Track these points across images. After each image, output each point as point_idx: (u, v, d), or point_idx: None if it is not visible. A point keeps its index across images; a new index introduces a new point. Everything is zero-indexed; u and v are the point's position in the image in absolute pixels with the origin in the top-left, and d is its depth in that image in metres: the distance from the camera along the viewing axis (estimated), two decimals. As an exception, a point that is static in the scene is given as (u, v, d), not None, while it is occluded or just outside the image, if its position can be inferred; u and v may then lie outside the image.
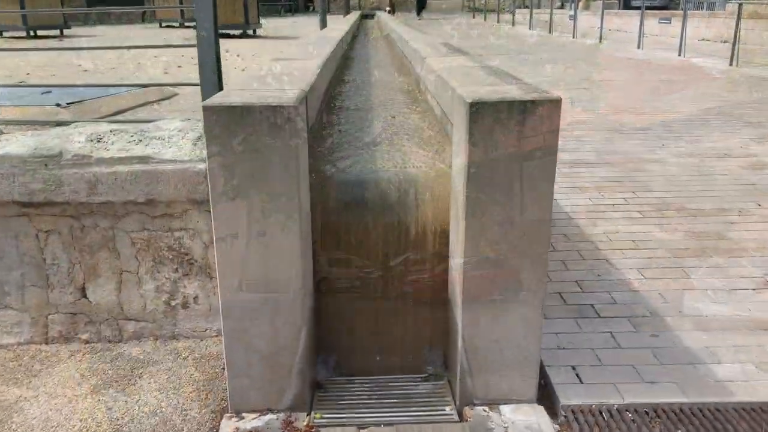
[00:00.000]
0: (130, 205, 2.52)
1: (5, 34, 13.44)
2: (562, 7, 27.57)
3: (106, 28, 17.82)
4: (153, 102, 4.46)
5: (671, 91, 8.48)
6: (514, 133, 1.90)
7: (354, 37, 10.14)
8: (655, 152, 5.46)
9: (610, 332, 2.64)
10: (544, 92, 1.98)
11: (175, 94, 5.37)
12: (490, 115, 1.88)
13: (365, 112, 3.77)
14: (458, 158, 2.07)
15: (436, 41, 4.82)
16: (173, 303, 2.66)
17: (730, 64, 10.56)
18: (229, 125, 1.89)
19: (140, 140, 2.49)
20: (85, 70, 6.56)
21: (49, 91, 4.45)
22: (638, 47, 13.33)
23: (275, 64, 3.00)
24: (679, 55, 11.96)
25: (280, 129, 1.90)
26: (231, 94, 2.03)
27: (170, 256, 2.59)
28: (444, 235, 2.32)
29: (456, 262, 2.13)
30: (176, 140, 2.50)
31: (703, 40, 14.61)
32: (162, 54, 8.65)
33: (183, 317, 2.68)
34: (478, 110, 1.88)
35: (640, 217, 3.95)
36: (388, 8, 23.97)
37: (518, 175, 1.95)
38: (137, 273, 2.63)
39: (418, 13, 25.83)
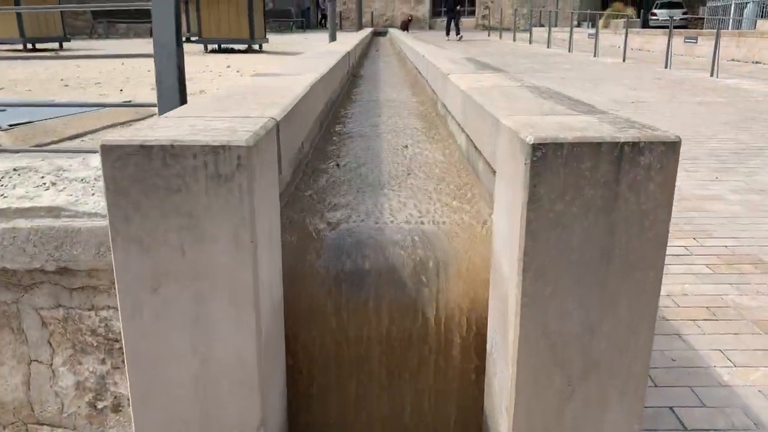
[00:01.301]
0: (38, 274, 1.81)
1: (2, 46, 12.93)
2: (578, 25, 26.98)
3: (111, 41, 17.34)
4: (124, 123, 3.81)
5: (712, 115, 7.72)
6: (603, 192, 1.18)
7: (365, 53, 9.50)
8: (708, 187, 4.70)
9: (706, 456, 1.89)
10: (648, 128, 1.25)
11: (154, 114, 4.72)
12: (565, 165, 1.16)
13: (371, 140, 3.06)
14: (506, 224, 1.34)
15: (457, 55, 4.13)
16: (100, 405, 1.93)
17: (770, 86, 9.79)
18: (144, 176, 1.18)
19: (53, 183, 1.78)
20: (66, 85, 5.94)
21: (4, 110, 3.81)
22: (666, 67, 12.60)
23: (254, 81, 2.30)
24: (712, 75, 11.22)
25: (227, 181, 1.19)
26: (159, 126, 1.32)
27: (95, 343, 1.87)
28: (480, 332, 1.59)
29: (500, 382, 1.40)
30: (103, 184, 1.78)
31: (733, 60, 13.84)
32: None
33: (114, 424, 1.95)
34: (545, 156, 1.16)
35: (708, 272, 3.20)
36: (402, 29, 22.39)
37: (606, 255, 1.22)
38: (51, 364, 1.91)
39: (457, 33, 22.04)
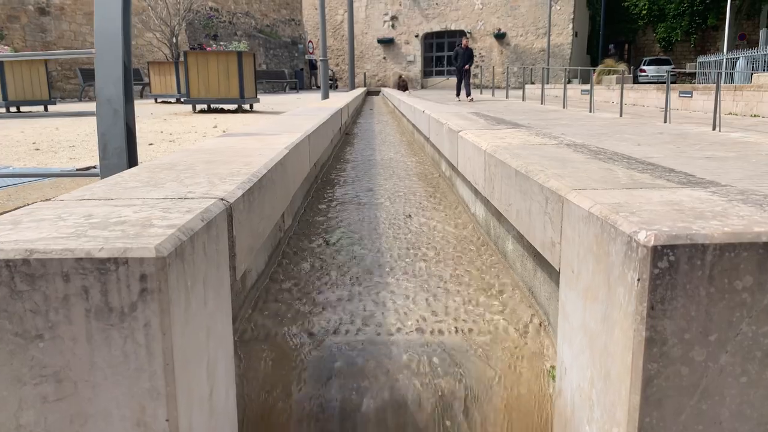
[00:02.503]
0: None
1: (-17, 110, 12.59)
2: (569, 82, 27.14)
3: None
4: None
5: (727, 170, 7.31)
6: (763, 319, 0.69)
7: (359, 110, 9.19)
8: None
9: None
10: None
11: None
12: (710, 282, 0.67)
13: (368, 208, 2.59)
14: (592, 367, 0.83)
15: (463, 110, 3.71)
16: None
17: (777, 139, 9.47)
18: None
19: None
20: (37, 149, 5.49)
21: (-53, 181, 3.37)
22: (665, 121, 12.33)
23: (219, 143, 1.83)
24: (714, 128, 10.91)
25: (124, 319, 0.68)
26: (29, 219, 0.83)
27: None
28: None
29: None
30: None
31: (730, 113, 13.62)
32: (145, 127, 7.59)
33: None
34: (676, 267, 0.66)
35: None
36: (401, 89, 21.34)
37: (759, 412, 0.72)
38: None
39: (468, 94, 19.03)
